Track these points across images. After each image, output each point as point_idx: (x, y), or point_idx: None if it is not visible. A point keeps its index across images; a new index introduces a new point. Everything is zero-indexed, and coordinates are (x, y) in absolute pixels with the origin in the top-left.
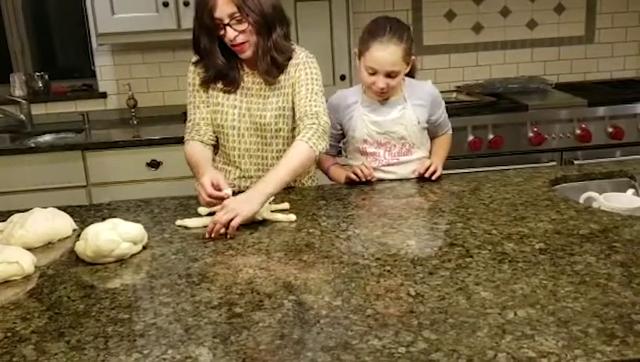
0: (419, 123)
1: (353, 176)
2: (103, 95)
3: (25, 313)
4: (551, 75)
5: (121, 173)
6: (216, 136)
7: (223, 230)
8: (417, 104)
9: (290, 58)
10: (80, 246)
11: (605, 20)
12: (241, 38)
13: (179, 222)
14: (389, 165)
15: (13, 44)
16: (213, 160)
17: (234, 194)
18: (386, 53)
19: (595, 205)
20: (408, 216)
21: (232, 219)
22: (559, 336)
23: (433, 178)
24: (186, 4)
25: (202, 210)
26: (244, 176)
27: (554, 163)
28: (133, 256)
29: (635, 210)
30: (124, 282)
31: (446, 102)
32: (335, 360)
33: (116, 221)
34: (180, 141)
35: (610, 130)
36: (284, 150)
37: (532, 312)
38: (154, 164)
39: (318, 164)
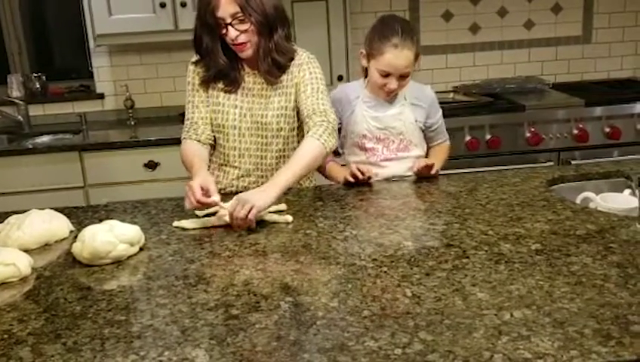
0: (416, 121)
1: (351, 179)
2: (101, 96)
3: (21, 315)
4: (548, 75)
5: (119, 174)
6: (213, 136)
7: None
8: (416, 104)
9: (291, 59)
10: (77, 248)
11: (602, 20)
12: (242, 38)
13: (176, 223)
14: (386, 160)
15: (10, 45)
16: (210, 160)
17: (232, 194)
18: (401, 57)
19: (591, 205)
20: (405, 216)
21: (249, 212)
22: (555, 337)
23: (432, 172)
24: (183, 5)
25: (199, 211)
26: (242, 176)
27: (551, 163)
28: (130, 257)
29: (632, 211)
30: (121, 283)
31: (443, 103)
32: None
33: (113, 222)
34: (177, 142)
35: (607, 130)
36: (284, 150)
37: (528, 313)
38: (151, 165)
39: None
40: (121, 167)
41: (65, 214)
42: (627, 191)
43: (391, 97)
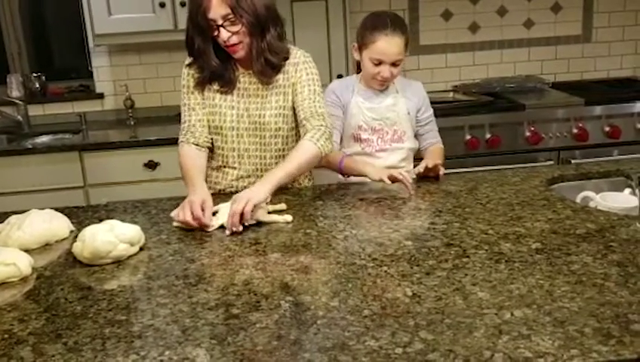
0: (408, 113)
1: (388, 181)
2: (100, 96)
3: (22, 314)
4: (548, 75)
5: (119, 173)
6: (211, 139)
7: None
8: (408, 97)
9: (286, 58)
10: (77, 248)
11: (602, 19)
12: (234, 39)
13: (176, 223)
14: (381, 150)
15: (10, 45)
16: (209, 162)
17: (232, 194)
18: (392, 44)
19: (591, 205)
20: (405, 216)
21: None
22: (555, 336)
23: (440, 173)
24: (183, 4)
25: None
26: (242, 177)
27: (551, 162)
28: (130, 257)
29: (632, 210)
30: (122, 283)
31: (443, 102)
32: (332, 361)
33: (113, 222)
34: (177, 142)
35: (607, 129)
36: (283, 149)
37: (528, 312)
38: (151, 165)
39: (328, 160)
40: (121, 166)
41: (65, 214)
42: (627, 191)
43: (384, 87)
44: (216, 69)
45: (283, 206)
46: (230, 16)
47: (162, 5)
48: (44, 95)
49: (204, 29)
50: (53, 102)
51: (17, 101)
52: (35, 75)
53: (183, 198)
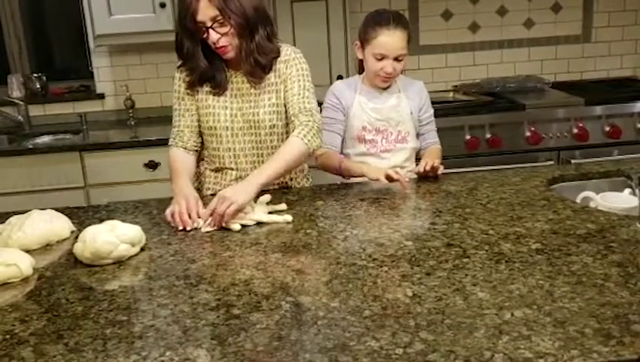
0: (412, 113)
1: (385, 181)
2: (101, 96)
3: (23, 315)
4: (548, 74)
5: (119, 174)
6: (200, 142)
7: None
8: (410, 97)
9: (276, 57)
10: (78, 248)
11: (602, 19)
12: (223, 41)
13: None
14: (385, 151)
15: (10, 45)
16: (207, 164)
17: None
18: (394, 38)
19: (592, 205)
20: (405, 216)
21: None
22: (556, 337)
23: (439, 172)
24: None
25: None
26: (240, 177)
27: (551, 162)
28: (131, 257)
29: (632, 210)
30: (123, 284)
31: (443, 102)
32: None
33: (114, 222)
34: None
35: (607, 129)
36: (279, 146)
37: (529, 312)
38: (152, 165)
39: (327, 163)
40: (122, 167)
41: (66, 214)
42: (627, 191)
43: (388, 83)
44: (205, 71)
45: (283, 206)
46: (219, 18)
47: (163, 5)
48: (44, 95)
49: (193, 31)
50: (54, 103)
51: (18, 101)
52: (35, 75)
53: None
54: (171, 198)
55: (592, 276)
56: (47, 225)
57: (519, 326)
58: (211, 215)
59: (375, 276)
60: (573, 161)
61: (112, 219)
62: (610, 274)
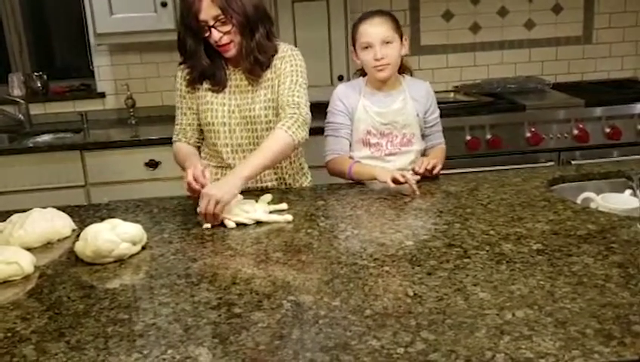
0: (417, 115)
1: (392, 184)
2: (102, 95)
3: (25, 313)
4: (548, 75)
5: (120, 173)
6: (202, 138)
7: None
8: (416, 99)
9: (274, 55)
10: (79, 247)
11: (603, 20)
12: (225, 39)
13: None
14: (390, 154)
15: (11, 44)
16: (208, 160)
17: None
18: (374, 24)
19: (592, 206)
20: (406, 216)
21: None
22: (557, 337)
23: (434, 172)
24: None
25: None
26: None
27: (552, 163)
28: (132, 256)
29: (633, 211)
30: (124, 282)
31: (444, 102)
32: (334, 361)
33: (115, 221)
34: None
35: (607, 130)
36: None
37: (530, 313)
38: (152, 164)
39: (336, 169)
40: (122, 166)
41: (67, 213)
42: (628, 192)
43: (387, 73)
44: (206, 69)
45: (284, 206)
46: (221, 17)
47: (164, 5)
48: (45, 94)
49: (195, 30)
50: (55, 101)
51: (19, 100)
52: (36, 74)
53: (185, 197)
54: (172, 198)
55: (592, 277)
56: (48, 223)
57: (520, 327)
58: (204, 215)
59: (376, 276)
60: (573, 162)
61: (113, 217)
62: (611, 275)
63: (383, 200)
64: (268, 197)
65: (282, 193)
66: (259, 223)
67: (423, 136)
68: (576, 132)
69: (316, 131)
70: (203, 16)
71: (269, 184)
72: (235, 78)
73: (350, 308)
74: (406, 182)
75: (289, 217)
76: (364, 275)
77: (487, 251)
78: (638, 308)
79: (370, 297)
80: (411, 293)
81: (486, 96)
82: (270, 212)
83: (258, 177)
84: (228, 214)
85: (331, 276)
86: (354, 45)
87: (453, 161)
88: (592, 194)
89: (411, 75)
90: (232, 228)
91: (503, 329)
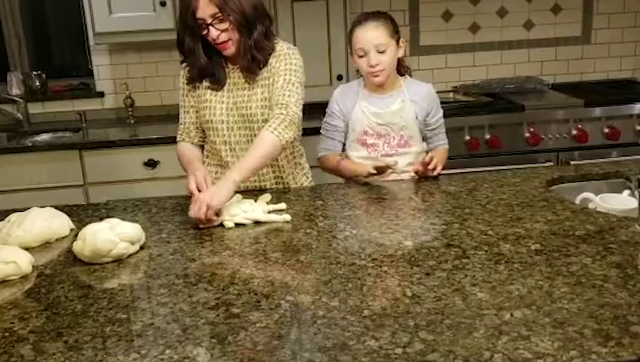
0: (416, 118)
1: (374, 171)
2: (101, 94)
3: (22, 313)
4: (547, 76)
5: (119, 172)
6: (204, 136)
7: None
8: (416, 101)
9: (271, 54)
10: (77, 246)
11: (602, 21)
12: (223, 37)
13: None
14: (387, 156)
15: (10, 43)
16: (209, 159)
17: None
18: (367, 29)
19: (591, 206)
20: (405, 216)
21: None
22: (555, 337)
23: (435, 173)
24: None
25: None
26: None
27: (550, 163)
28: (130, 255)
29: (631, 211)
30: (122, 282)
31: (443, 103)
32: (332, 361)
33: (114, 221)
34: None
35: (606, 130)
36: None
37: (528, 313)
38: (151, 164)
39: (325, 165)
40: (121, 165)
41: (65, 212)
42: (626, 192)
43: (381, 79)
44: (205, 67)
45: (283, 205)
46: (218, 15)
47: (163, 4)
48: (44, 93)
49: (193, 28)
50: (54, 101)
51: (17, 99)
52: (35, 73)
53: (183, 197)
54: (170, 197)
55: (591, 277)
56: (46, 223)
57: (518, 327)
58: (196, 219)
59: (375, 276)
60: (572, 162)
61: (112, 217)
62: (609, 275)
63: (381, 201)
64: (267, 196)
65: (281, 193)
66: (257, 223)
67: (424, 138)
68: (575, 132)
69: (316, 131)
70: (200, 14)
71: (268, 183)
72: (234, 76)
73: (348, 308)
74: (384, 167)
75: (287, 217)
76: (362, 275)
77: (486, 251)
78: (636, 308)
79: (368, 297)
80: (410, 293)
81: (485, 97)
82: (269, 211)
83: (256, 176)
84: (227, 214)
85: (330, 276)
86: (349, 46)
87: (452, 161)
88: (590, 195)
89: (410, 76)
90: (231, 228)
91: (501, 330)
